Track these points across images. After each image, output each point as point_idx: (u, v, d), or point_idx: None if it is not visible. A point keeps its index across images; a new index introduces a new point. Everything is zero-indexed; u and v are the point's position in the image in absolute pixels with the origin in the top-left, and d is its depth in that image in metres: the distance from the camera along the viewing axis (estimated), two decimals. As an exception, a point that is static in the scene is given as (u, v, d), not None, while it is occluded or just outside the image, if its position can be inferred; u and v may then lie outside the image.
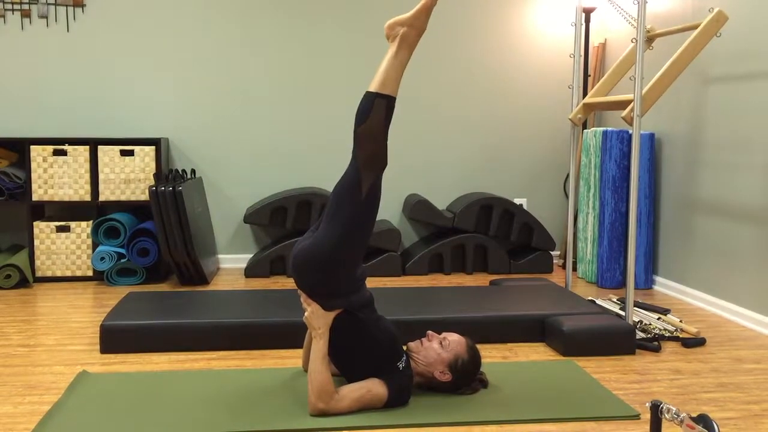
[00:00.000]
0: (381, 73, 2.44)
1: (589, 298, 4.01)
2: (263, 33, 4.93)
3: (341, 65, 5.02)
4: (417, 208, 4.80)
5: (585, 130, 4.73)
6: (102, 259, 4.39)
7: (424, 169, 5.15)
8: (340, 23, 4.98)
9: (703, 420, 2.09)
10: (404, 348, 2.59)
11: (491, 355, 3.11)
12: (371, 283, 2.62)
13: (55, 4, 4.72)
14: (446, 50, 5.09)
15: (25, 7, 4.69)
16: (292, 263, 2.49)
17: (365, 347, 2.48)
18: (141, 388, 2.65)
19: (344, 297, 2.46)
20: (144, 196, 4.57)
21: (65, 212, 4.82)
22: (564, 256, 5.16)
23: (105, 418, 2.39)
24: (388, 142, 2.53)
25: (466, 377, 2.59)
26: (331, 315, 2.44)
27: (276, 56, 4.96)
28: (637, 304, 3.86)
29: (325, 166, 5.04)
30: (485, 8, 5.10)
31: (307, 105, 5.01)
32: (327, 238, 2.41)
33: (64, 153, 4.51)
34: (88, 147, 4.53)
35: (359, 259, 2.51)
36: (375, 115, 2.40)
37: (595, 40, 5.21)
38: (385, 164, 2.44)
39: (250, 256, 4.99)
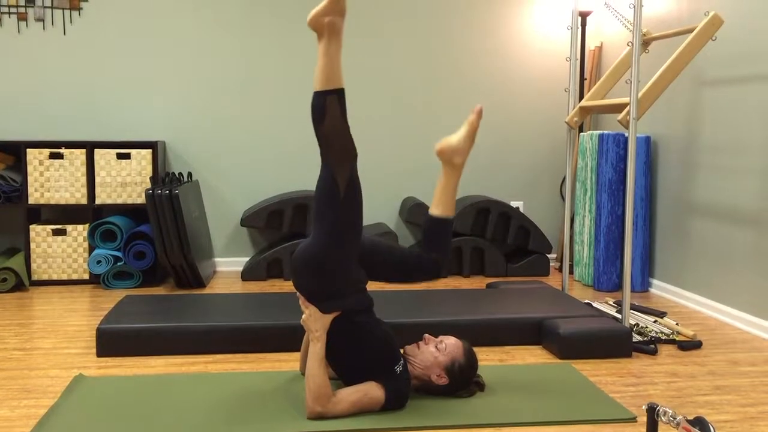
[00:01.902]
0: (322, 70, 2.40)
1: (586, 301, 4.01)
2: (260, 36, 4.94)
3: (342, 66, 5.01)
4: (414, 211, 4.80)
5: (581, 133, 4.74)
6: (98, 262, 4.38)
7: (420, 172, 5.15)
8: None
9: (699, 423, 2.10)
10: (401, 351, 2.59)
11: (488, 358, 3.11)
12: (368, 286, 2.63)
13: (52, 8, 4.72)
14: (443, 53, 5.10)
15: (22, 10, 4.69)
16: (292, 265, 2.51)
17: (363, 350, 2.48)
18: (137, 392, 2.65)
19: (341, 300, 2.46)
20: (140, 200, 4.57)
21: (62, 215, 4.81)
22: (560, 259, 5.16)
23: (101, 421, 2.39)
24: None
25: (463, 380, 2.59)
26: (329, 318, 2.44)
27: (273, 60, 4.96)
28: (633, 307, 3.87)
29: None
30: (482, 11, 5.11)
31: (304, 108, 5.02)
32: (317, 242, 2.43)
33: (60, 156, 4.51)
34: (84, 150, 4.52)
35: (354, 261, 2.51)
36: (331, 112, 2.38)
37: (591, 44, 5.22)
38: (356, 153, 2.43)
39: (247, 259, 4.99)
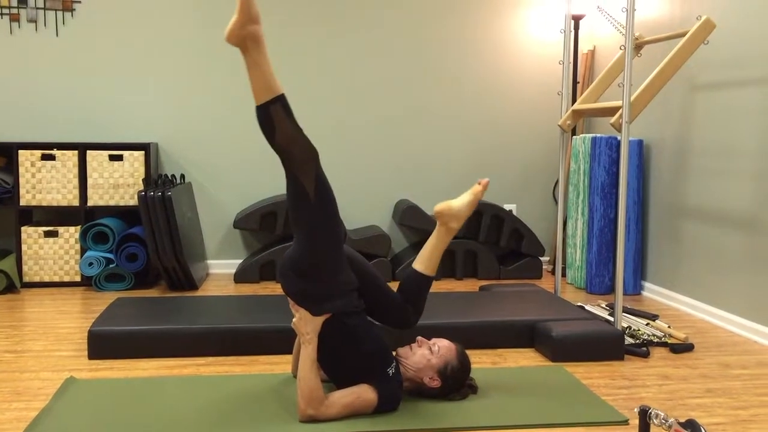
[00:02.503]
0: (256, 82, 2.35)
1: (578, 303, 4.02)
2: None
3: (329, 69, 5.02)
4: (407, 213, 4.80)
5: (574, 137, 4.76)
6: (90, 264, 4.37)
7: (414, 175, 5.16)
8: (327, 26, 4.99)
9: (691, 425, 2.10)
10: (394, 354, 2.59)
11: (481, 360, 3.11)
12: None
13: (45, 9, 4.70)
14: (437, 57, 5.11)
15: (14, 11, 4.67)
16: (278, 270, 2.53)
17: (355, 353, 2.48)
18: (129, 395, 2.64)
19: (331, 301, 2.45)
20: (133, 201, 4.56)
21: (53, 217, 4.79)
22: (553, 262, 5.17)
23: (92, 424, 2.37)
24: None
25: (456, 383, 2.59)
26: (320, 320, 2.44)
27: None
28: (625, 310, 3.88)
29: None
30: (475, 15, 5.12)
31: (297, 109, 5.00)
32: (299, 247, 2.44)
33: (52, 157, 4.49)
34: (76, 152, 4.51)
35: (341, 261, 2.50)
36: (279, 121, 2.35)
37: (584, 47, 5.24)
38: (316, 152, 2.41)
39: (240, 261, 4.98)
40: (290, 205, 2.45)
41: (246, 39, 2.33)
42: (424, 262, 2.70)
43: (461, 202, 2.70)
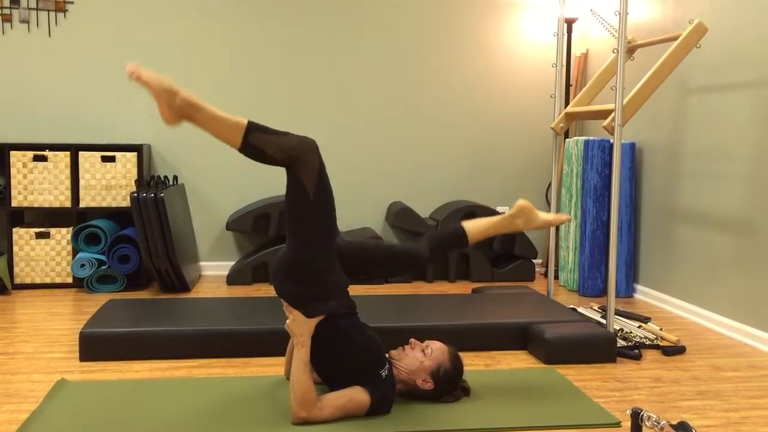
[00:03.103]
0: (222, 133, 2.32)
1: (571, 306, 4.03)
2: (246, 38, 4.93)
3: (325, 69, 5.02)
4: (400, 216, 4.80)
5: (567, 139, 4.77)
6: (82, 265, 4.35)
7: (407, 177, 5.16)
8: (324, 26, 4.99)
9: (682, 427, 2.11)
10: (387, 356, 2.59)
11: (473, 362, 3.11)
12: (353, 290, 2.63)
13: (37, 9, 4.69)
14: (430, 59, 5.12)
15: (6, 11, 4.65)
16: (271, 272, 2.53)
17: (347, 355, 2.48)
18: (121, 397, 2.63)
19: (324, 303, 2.45)
20: (125, 203, 4.54)
21: (45, 218, 4.77)
22: (546, 265, 5.18)
23: (84, 427, 2.36)
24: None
25: (449, 385, 2.59)
26: (313, 322, 2.44)
27: (259, 62, 4.95)
28: (618, 312, 3.89)
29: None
30: (468, 18, 5.13)
31: (290, 111, 5.01)
32: (293, 248, 2.44)
33: (44, 159, 4.47)
34: (68, 153, 4.49)
35: (334, 263, 2.50)
36: (264, 143, 2.34)
37: (577, 50, 5.25)
38: (312, 141, 2.39)
39: (233, 263, 4.97)
40: (289, 203, 2.44)
41: (182, 112, 2.31)
42: (473, 228, 2.75)
43: (544, 216, 2.79)
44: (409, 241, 2.74)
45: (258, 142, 2.33)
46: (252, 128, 2.33)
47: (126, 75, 2.27)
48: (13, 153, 4.44)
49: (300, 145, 2.38)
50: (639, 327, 3.64)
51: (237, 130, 2.31)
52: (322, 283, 2.46)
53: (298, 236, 2.44)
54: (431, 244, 2.72)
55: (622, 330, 3.52)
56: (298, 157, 2.39)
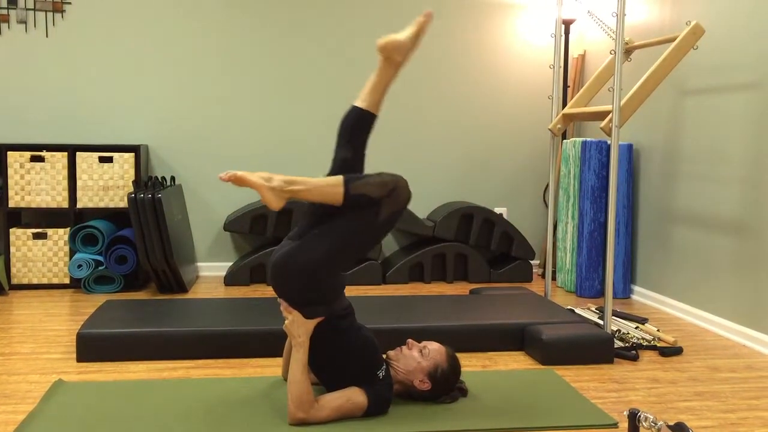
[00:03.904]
0: (324, 198, 2.38)
1: (568, 307, 4.03)
2: (243, 40, 4.93)
3: (321, 72, 5.02)
4: (397, 216, 4.80)
5: (564, 141, 4.77)
6: (79, 266, 4.34)
7: (405, 175, 5.14)
8: (318, 30, 4.99)
9: (680, 428, 2.11)
10: (384, 356, 2.59)
11: (471, 363, 3.12)
12: (351, 291, 2.63)
13: (35, 10, 4.68)
14: (428, 60, 5.12)
15: (3, 12, 4.65)
16: (273, 271, 2.48)
17: (345, 356, 2.47)
18: (118, 398, 2.63)
19: (325, 305, 2.45)
20: (123, 203, 4.54)
21: (42, 219, 4.77)
22: (543, 266, 5.19)
23: (81, 428, 2.36)
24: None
25: (446, 386, 2.59)
26: (312, 323, 2.43)
27: (256, 64, 4.95)
28: (615, 313, 3.89)
29: (306, 174, 5.02)
30: (466, 19, 5.14)
31: (288, 112, 5.01)
32: (321, 248, 2.39)
33: (41, 159, 4.47)
34: (66, 153, 4.49)
35: (339, 268, 2.51)
36: (365, 188, 2.37)
37: (574, 52, 5.26)
38: (405, 181, 2.43)
39: (230, 263, 4.97)
40: (340, 210, 2.40)
41: (283, 192, 2.36)
42: (366, 98, 2.59)
43: (405, 33, 2.58)
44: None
45: (359, 189, 2.36)
46: (348, 180, 2.38)
47: (222, 180, 2.41)
48: (10, 153, 4.43)
49: (398, 180, 2.41)
50: (636, 328, 3.64)
51: (336, 188, 2.36)
52: (328, 288, 2.46)
53: (332, 242, 2.40)
54: (346, 139, 2.59)
55: (619, 331, 3.52)
56: (396, 191, 2.40)
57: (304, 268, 2.40)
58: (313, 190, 2.36)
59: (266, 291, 4.48)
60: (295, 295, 2.45)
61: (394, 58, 2.58)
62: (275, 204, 2.36)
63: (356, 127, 2.59)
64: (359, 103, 2.59)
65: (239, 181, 2.34)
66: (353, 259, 2.52)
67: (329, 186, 2.37)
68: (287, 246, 2.47)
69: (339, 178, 2.37)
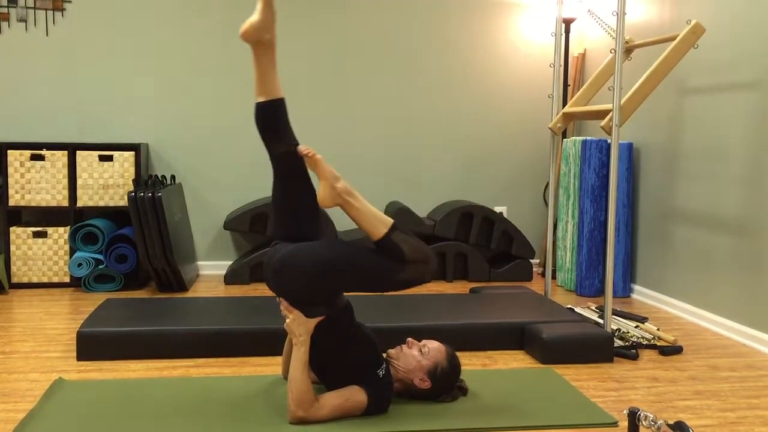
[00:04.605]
0: (369, 225, 2.44)
1: (568, 306, 4.03)
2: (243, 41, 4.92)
3: (325, 71, 5.02)
4: (398, 215, 4.80)
5: (565, 139, 4.77)
6: (79, 265, 4.34)
7: (405, 177, 5.16)
8: (325, 28, 4.99)
9: (679, 427, 2.11)
10: (384, 355, 2.59)
11: (471, 362, 3.12)
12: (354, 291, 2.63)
13: (35, 8, 4.68)
14: (427, 59, 5.12)
15: (4, 10, 4.65)
16: (276, 269, 2.46)
17: (345, 355, 2.48)
18: (118, 396, 2.63)
19: (325, 304, 2.45)
20: (123, 202, 4.54)
21: (42, 218, 4.77)
22: (543, 265, 5.19)
23: (81, 426, 2.36)
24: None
25: (446, 384, 2.59)
26: (313, 322, 2.43)
27: (257, 63, 4.94)
28: (615, 312, 3.89)
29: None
30: (466, 18, 5.13)
31: (291, 109, 5.00)
32: (333, 254, 2.44)
33: (41, 158, 4.47)
34: (66, 152, 4.49)
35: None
36: (404, 243, 2.43)
37: (574, 50, 5.26)
38: (435, 263, 2.48)
39: (230, 262, 4.97)
40: (305, 212, 2.47)
41: (340, 197, 2.47)
42: (262, 90, 2.50)
43: (257, 11, 2.46)
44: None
45: (398, 240, 2.42)
46: (396, 228, 2.45)
47: (301, 152, 2.51)
48: (10, 152, 4.43)
49: (432, 258, 2.46)
50: (636, 327, 3.64)
51: (381, 227, 2.43)
52: (332, 290, 2.46)
53: (342, 251, 2.45)
54: (274, 140, 2.55)
55: (619, 330, 3.52)
56: (426, 265, 2.45)
57: (314, 265, 2.40)
58: (362, 212, 2.45)
59: (266, 290, 4.48)
60: (298, 294, 2.44)
61: (263, 39, 2.47)
62: (327, 203, 2.47)
63: (274, 121, 2.54)
64: (261, 98, 2.52)
65: (313, 163, 2.45)
66: (345, 286, 2.47)
67: (377, 220, 2.44)
68: (288, 246, 2.47)
69: (390, 221, 2.45)
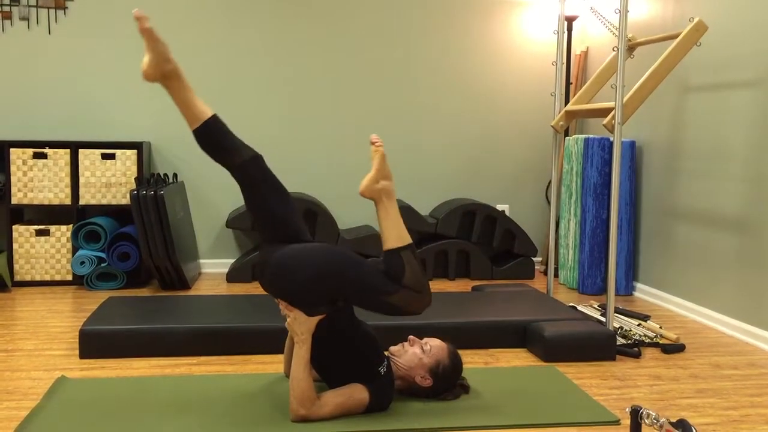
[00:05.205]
0: (389, 232, 2.48)
1: (570, 304, 4.03)
2: (248, 36, 4.92)
3: (326, 69, 5.02)
4: (400, 214, 4.79)
5: (567, 138, 4.77)
6: (82, 263, 4.35)
7: (407, 175, 5.16)
8: (326, 26, 4.99)
9: (682, 425, 2.11)
10: (385, 353, 2.59)
11: (473, 360, 3.12)
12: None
13: (37, 6, 4.68)
14: (430, 58, 5.11)
15: (6, 9, 4.65)
16: (277, 268, 2.46)
17: (346, 352, 2.48)
18: (120, 394, 2.63)
19: (326, 303, 2.45)
20: (125, 200, 4.54)
21: (45, 216, 4.77)
22: (545, 263, 5.18)
23: (83, 424, 2.37)
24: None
25: (447, 382, 2.60)
26: (314, 321, 2.43)
27: (259, 60, 4.95)
28: (617, 310, 3.89)
29: (308, 171, 5.04)
30: (468, 16, 5.13)
31: (291, 110, 5.01)
32: (338, 255, 2.45)
33: (44, 156, 4.47)
34: (68, 150, 4.49)
35: None
36: (409, 266, 2.45)
37: (577, 48, 5.25)
38: (428, 304, 2.50)
39: (232, 261, 4.97)
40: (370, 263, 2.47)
41: (381, 193, 2.55)
42: (192, 117, 2.57)
43: (145, 49, 2.46)
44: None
45: (404, 261, 2.45)
46: (410, 247, 2.48)
47: (372, 140, 2.62)
48: (13, 150, 4.44)
49: (428, 293, 2.49)
50: (638, 325, 3.64)
51: (397, 240, 2.47)
52: (333, 290, 2.46)
53: (346, 259, 2.45)
54: (224, 156, 2.61)
55: (621, 328, 3.52)
56: (420, 295, 2.46)
57: (320, 265, 2.40)
58: (390, 217, 2.50)
59: (268, 288, 4.48)
60: (299, 293, 2.43)
61: (165, 71, 2.49)
62: (368, 193, 2.52)
63: (216, 139, 2.60)
64: (194, 125, 2.57)
65: (378, 156, 2.55)
66: (337, 294, 2.44)
67: (398, 231, 2.48)
68: (283, 249, 2.46)
69: (409, 239, 2.48)
